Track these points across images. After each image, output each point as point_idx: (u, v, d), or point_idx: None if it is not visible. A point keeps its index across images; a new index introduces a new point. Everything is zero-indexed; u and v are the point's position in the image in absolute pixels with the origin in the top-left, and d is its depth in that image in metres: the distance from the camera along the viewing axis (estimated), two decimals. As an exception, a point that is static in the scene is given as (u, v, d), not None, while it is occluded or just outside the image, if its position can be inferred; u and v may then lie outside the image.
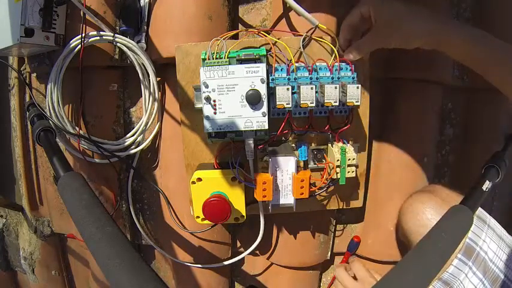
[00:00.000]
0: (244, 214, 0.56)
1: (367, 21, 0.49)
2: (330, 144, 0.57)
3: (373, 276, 0.63)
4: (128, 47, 0.58)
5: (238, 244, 0.70)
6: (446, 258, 0.37)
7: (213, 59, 0.50)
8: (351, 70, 0.53)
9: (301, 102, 0.49)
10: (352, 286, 0.62)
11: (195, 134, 0.57)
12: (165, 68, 0.61)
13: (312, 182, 0.54)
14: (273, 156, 0.53)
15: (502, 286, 0.49)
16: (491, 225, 0.53)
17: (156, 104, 0.61)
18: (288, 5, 0.52)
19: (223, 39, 0.52)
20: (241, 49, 0.53)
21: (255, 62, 0.49)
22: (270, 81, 0.51)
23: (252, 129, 0.49)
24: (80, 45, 0.55)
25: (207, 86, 0.48)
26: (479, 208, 0.50)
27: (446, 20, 0.48)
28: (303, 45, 0.53)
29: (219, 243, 0.67)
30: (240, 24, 0.62)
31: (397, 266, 0.36)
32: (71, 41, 0.56)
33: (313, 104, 0.49)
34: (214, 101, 0.48)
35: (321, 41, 0.54)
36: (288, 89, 0.48)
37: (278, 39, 0.53)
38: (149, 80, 0.60)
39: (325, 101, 0.49)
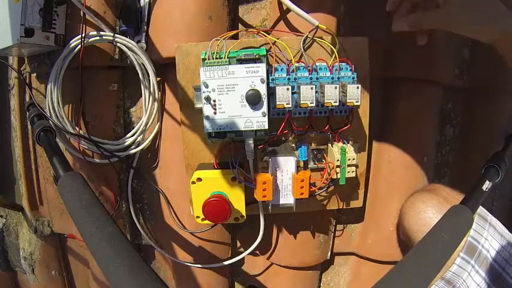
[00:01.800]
0: (244, 214, 0.56)
1: None
2: (330, 144, 0.57)
3: None
4: (128, 47, 0.58)
5: (238, 244, 0.70)
6: (446, 258, 0.37)
7: (213, 59, 0.50)
8: (351, 70, 0.53)
9: (301, 102, 0.49)
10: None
11: (195, 134, 0.57)
12: (165, 68, 0.61)
13: (312, 182, 0.54)
14: (273, 156, 0.53)
15: (504, 284, 0.49)
16: (492, 223, 0.53)
17: (156, 104, 0.61)
18: (285, 8, 0.52)
19: (223, 39, 0.52)
20: (241, 49, 0.53)
21: (255, 62, 0.49)
22: (270, 81, 0.51)
23: (252, 129, 0.49)
24: (80, 45, 0.55)
25: (207, 86, 0.48)
26: (480, 206, 0.50)
27: None
28: (303, 46, 0.53)
29: (219, 243, 0.67)
30: (240, 24, 0.62)
31: (397, 266, 0.36)
32: (71, 41, 0.56)
33: (313, 104, 0.49)
34: (214, 101, 0.48)
35: (321, 41, 0.54)
36: (288, 89, 0.48)
37: (278, 39, 0.53)
38: (149, 80, 0.60)
39: (325, 101, 0.49)
